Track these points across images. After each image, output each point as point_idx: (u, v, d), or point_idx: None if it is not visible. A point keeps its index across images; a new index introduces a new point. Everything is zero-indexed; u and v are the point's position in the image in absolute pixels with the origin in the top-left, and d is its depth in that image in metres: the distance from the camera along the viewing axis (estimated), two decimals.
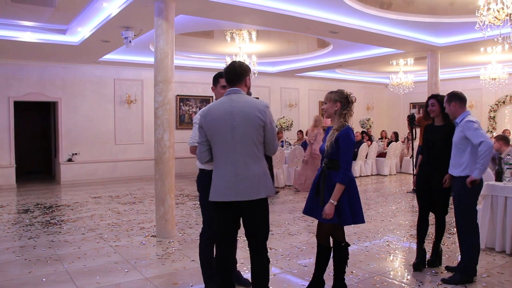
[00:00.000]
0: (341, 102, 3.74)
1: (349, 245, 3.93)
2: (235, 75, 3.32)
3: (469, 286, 4.24)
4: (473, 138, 4.20)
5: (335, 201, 3.58)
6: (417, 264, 4.76)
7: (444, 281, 4.34)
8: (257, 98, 4.02)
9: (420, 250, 4.82)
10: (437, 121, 4.77)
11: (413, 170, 4.99)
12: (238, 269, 4.39)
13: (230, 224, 3.35)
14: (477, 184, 4.33)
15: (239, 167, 3.18)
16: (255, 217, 3.28)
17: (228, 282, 3.39)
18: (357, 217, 3.71)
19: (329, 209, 3.58)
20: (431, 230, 5.11)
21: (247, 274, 4.47)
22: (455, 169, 4.40)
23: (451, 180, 4.52)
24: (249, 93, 3.48)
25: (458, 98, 4.45)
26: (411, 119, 8.40)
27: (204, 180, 3.74)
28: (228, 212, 3.31)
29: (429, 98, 4.82)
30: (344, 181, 3.60)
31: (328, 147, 3.69)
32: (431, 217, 4.84)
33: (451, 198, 4.66)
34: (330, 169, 3.70)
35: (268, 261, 3.37)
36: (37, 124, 14.20)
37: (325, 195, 3.67)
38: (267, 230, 3.35)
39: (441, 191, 4.64)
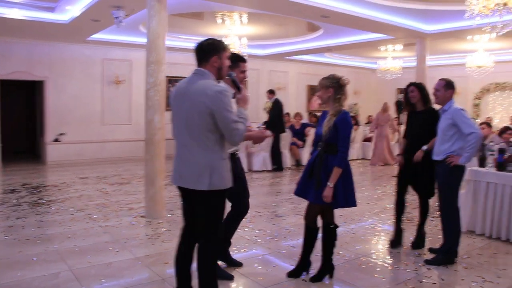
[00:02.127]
0: (333, 87, 3.78)
1: (337, 226, 4.03)
2: (199, 54, 3.13)
3: (451, 267, 4.40)
4: (464, 128, 4.30)
5: (332, 184, 3.67)
6: (394, 241, 5.08)
7: (427, 262, 4.49)
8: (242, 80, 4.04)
9: (397, 229, 5.11)
10: (419, 106, 4.96)
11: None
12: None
13: (186, 207, 3.30)
14: (460, 171, 4.47)
15: (184, 152, 3.09)
16: (196, 207, 3.15)
17: (181, 272, 3.33)
18: (350, 200, 3.81)
19: (327, 192, 3.67)
20: (416, 213, 5.26)
21: (235, 255, 4.56)
22: (439, 155, 4.51)
23: (423, 157, 4.71)
24: (229, 74, 3.30)
25: (453, 88, 4.58)
26: (399, 104, 8.53)
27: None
28: (182, 196, 3.28)
29: (408, 86, 4.99)
30: (342, 165, 3.69)
31: (326, 132, 3.74)
32: (413, 199, 4.99)
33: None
34: (327, 153, 3.76)
35: (210, 254, 3.17)
36: (22, 103, 14.03)
37: (321, 178, 3.73)
38: (208, 224, 3.13)
39: (426, 175, 4.80)
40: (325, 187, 3.70)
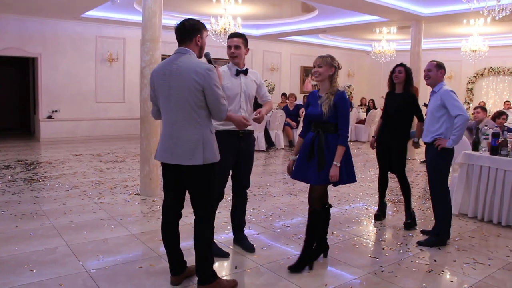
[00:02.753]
0: (335, 67, 3.78)
1: (331, 206, 4.08)
2: (182, 33, 3.19)
3: (443, 249, 4.47)
4: (452, 109, 4.34)
5: (338, 163, 3.67)
6: (378, 215, 5.46)
7: (420, 243, 4.56)
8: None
9: (381, 203, 5.50)
10: (398, 88, 5.19)
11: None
12: (245, 234, 4.43)
13: (172, 184, 3.33)
14: (449, 153, 4.51)
15: (175, 130, 3.14)
16: (191, 183, 3.23)
17: (173, 249, 3.42)
18: (351, 177, 3.83)
19: (334, 171, 3.66)
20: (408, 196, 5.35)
21: (230, 234, 4.57)
22: (427, 137, 4.57)
23: (394, 136, 5.09)
24: (206, 54, 3.39)
25: (444, 68, 4.61)
26: None
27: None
28: (169, 173, 3.29)
29: (397, 65, 5.20)
30: (345, 143, 3.72)
31: (326, 111, 3.71)
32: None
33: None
34: (326, 132, 3.75)
35: (207, 228, 3.29)
36: (15, 79, 13.88)
37: (326, 158, 3.71)
38: (204, 198, 3.25)
39: (398, 154, 5.13)
40: (330, 167, 3.68)
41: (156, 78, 3.22)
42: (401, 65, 5.19)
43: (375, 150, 5.43)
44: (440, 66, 4.58)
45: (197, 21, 3.25)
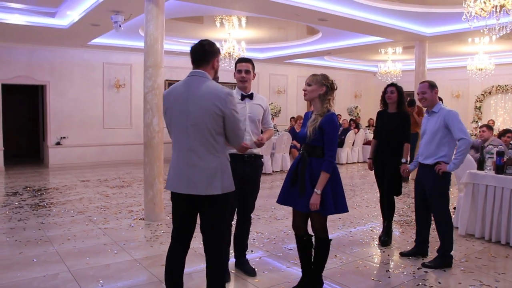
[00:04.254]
0: (326, 86, 3.56)
1: (330, 240, 3.78)
2: (202, 55, 3.01)
3: (448, 270, 4.40)
4: (455, 132, 4.29)
5: (319, 191, 3.41)
6: (384, 240, 5.28)
7: (424, 265, 4.49)
8: (235, 84, 4.11)
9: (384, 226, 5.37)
10: (392, 108, 5.21)
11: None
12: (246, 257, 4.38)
13: (185, 217, 3.08)
14: (448, 173, 4.46)
15: (192, 157, 2.93)
16: (207, 214, 3.00)
17: (174, 280, 3.16)
18: (340, 206, 3.56)
19: (314, 199, 3.41)
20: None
21: (232, 257, 4.55)
22: (428, 159, 4.49)
23: (390, 156, 5.04)
24: (216, 77, 3.22)
25: (436, 87, 4.59)
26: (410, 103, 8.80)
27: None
28: (181, 202, 3.05)
29: (388, 86, 5.22)
30: (329, 170, 3.44)
31: (311, 133, 3.50)
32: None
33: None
34: (311, 156, 3.54)
35: (221, 266, 3.13)
36: (25, 107, 14.11)
37: (306, 183, 3.49)
38: (218, 231, 3.03)
39: (392, 172, 5.06)
40: (311, 194, 3.43)
41: (170, 102, 3.02)
42: (393, 84, 5.21)
43: (373, 172, 5.38)
44: (433, 86, 4.56)
45: (214, 43, 3.12)
